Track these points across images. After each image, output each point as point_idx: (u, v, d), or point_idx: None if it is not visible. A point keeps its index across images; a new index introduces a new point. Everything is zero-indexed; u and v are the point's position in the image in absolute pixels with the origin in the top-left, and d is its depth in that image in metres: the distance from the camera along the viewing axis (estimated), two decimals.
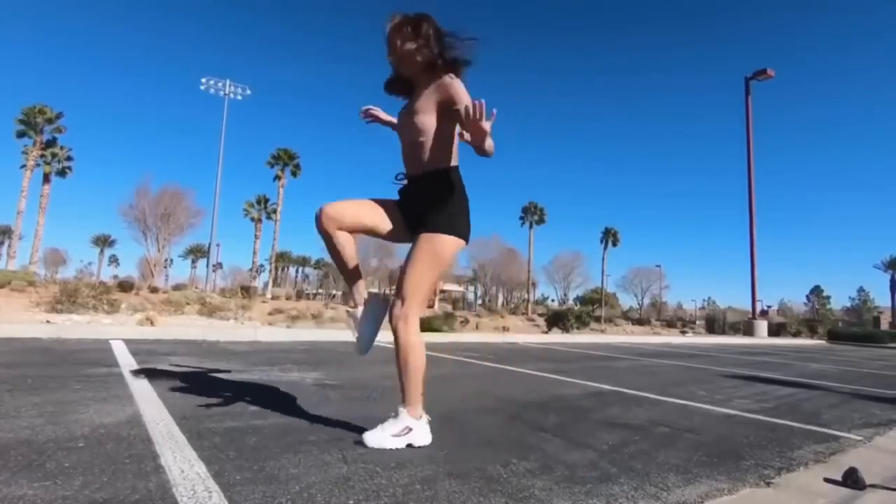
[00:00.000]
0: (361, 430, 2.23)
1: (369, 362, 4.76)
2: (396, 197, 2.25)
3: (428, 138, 2.07)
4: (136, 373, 3.33)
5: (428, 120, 2.06)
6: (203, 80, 35.92)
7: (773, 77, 21.27)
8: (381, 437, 2.02)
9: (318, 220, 2.10)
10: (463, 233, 2.11)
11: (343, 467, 1.76)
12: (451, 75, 2.02)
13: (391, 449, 1.99)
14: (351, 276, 2.20)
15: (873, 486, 1.98)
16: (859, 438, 2.81)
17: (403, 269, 2.09)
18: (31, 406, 2.32)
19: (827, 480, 2.03)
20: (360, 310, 2.20)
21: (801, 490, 1.92)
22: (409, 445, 2.03)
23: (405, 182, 2.22)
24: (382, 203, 2.20)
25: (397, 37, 2.05)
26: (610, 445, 2.30)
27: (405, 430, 2.04)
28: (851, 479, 1.97)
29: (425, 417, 2.10)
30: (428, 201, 2.09)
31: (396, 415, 2.07)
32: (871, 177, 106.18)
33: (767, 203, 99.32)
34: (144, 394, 2.70)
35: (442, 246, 2.06)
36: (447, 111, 2.03)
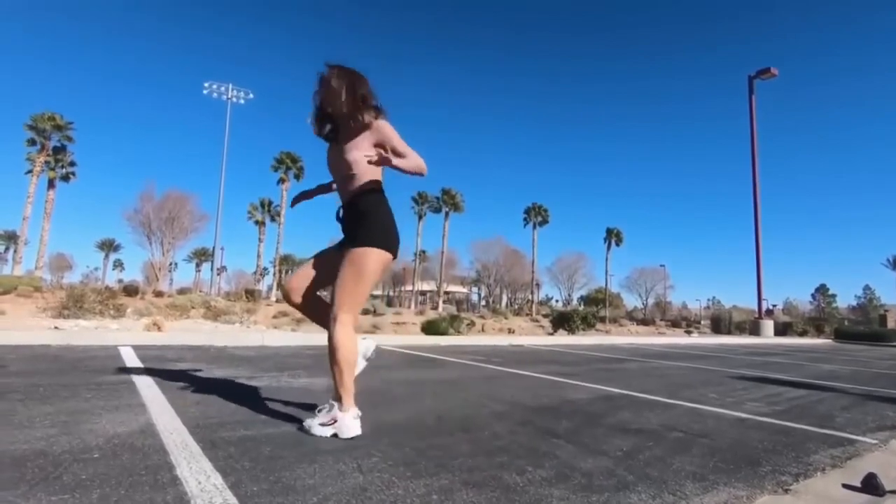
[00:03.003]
0: (374, 438, 2.23)
1: (379, 368, 4.75)
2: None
3: (359, 171, 2.37)
4: (146, 380, 3.33)
5: (359, 156, 2.34)
6: (206, 85, 36.12)
7: (777, 76, 21.19)
8: (311, 423, 2.27)
9: (286, 297, 2.50)
10: (385, 244, 2.36)
11: (359, 477, 1.75)
12: (383, 119, 2.38)
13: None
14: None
15: (892, 491, 1.96)
16: (874, 442, 2.78)
17: (336, 278, 2.32)
18: (45, 416, 2.31)
19: (845, 486, 2.01)
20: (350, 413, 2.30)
21: (820, 496, 1.90)
22: (335, 436, 2.22)
23: (341, 210, 2.49)
24: (322, 258, 2.52)
25: (339, 81, 2.35)
26: (624, 451, 2.28)
27: (332, 421, 2.25)
28: (871, 486, 1.95)
29: (354, 411, 2.29)
30: (355, 220, 2.38)
31: (329, 408, 2.29)
32: (877, 175, 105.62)
33: (772, 201, 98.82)
34: (156, 402, 2.70)
35: (364, 258, 2.31)
36: (380, 147, 2.35)
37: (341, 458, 1.94)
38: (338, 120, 2.43)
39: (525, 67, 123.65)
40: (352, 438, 2.20)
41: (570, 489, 1.76)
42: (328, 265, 2.45)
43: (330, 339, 2.28)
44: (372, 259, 2.32)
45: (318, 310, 2.52)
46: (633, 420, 2.99)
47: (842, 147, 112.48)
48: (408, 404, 3.12)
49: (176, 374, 3.66)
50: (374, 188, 2.42)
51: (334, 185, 2.60)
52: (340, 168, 2.42)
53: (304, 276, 2.50)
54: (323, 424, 2.25)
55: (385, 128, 2.38)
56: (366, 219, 2.36)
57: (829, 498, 1.90)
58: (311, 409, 2.61)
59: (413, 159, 2.33)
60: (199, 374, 3.77)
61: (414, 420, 2.68)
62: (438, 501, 1.58)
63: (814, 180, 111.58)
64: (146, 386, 3.12)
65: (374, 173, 2.42)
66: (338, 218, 2.51)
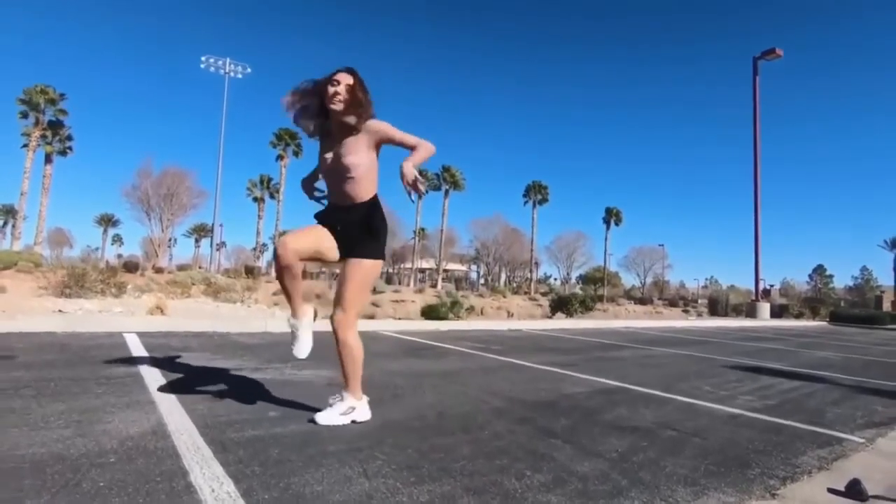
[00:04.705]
0: (378, 439, 2.31)
1: (379, 357, 4.83)
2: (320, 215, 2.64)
3: (358, 174, 2.44)
4: (154, 373, 3.40)
5: (359, 158, 2.42)
6: (203, 59, 35.62)
7: (782, 57, 20.91)
8: (330, 417, 2.48)
9: (281, 253, 2.40)
10: (384, 254, 2.61)
11: (365, 483, 1.82)
12: (377, 119, 2.46)
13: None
14: (298, 295, 2.58)
15: (875, 496, 2.04)
16: (861, 441, 2.87)
17: (343, 287, 2.50)
18: (58, 415, 2.39)
19: (830, 491, 2.09)
20: (303, 321, 2.60)
21: (806, 502, 1.98)
22: (354, 421, 2.52)
23: (330, 207, 2.57)
24: (324, 231, 2.53)
25: (355, 87, 2.42)
26: (619, 453, 2.36)
27: (349, 410, 2.53)
28: (854, 491, 2.03)
29: (365, 398, 2.63)
30: (362, 229, 2.49)
31: (342, 398, 2.54)
32: (877, 156, 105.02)
33: (772, 181, 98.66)
34: (165, 398, 2.77)
35: (374, 269, 2.55)
36: (379, 146, 2.48)
37: (347, 462, 2.01)
38: (337, 121, 2.44)
39: (526, 49, 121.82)
40: (355, 440, 2.28)
41: (567, 495, 1.84)
42: (324, 244, 2.49)
43: (344, 342, 2.50)
44: (378, 269, 2.60)
45: (296, 279, 2.49)
46: (628, 417, 3.08)
47: (843, 129, 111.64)
48: (409, 400, 3.20)
49: (182, 366, 3.73)
50: (376, 196, 2.53)
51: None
52: (339, 169, 2.45)
53: (305, 241, 2.46)
54: (343, 414, 2.51)
55: (379, 126, 2.44)
56: (378, 233, 2.52)
57: (816, 503, 1.99)
58: (316, 404, 2.70)
59: (421, 146, 2.42)
60: (204, 365, 3.85)
61: (416, 418, 2.76)
62: None
63: (814, 160, 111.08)
64: (154, 380, 3.19)
65: (373, 179, 2.51)
66: (326, 218, 2.56)
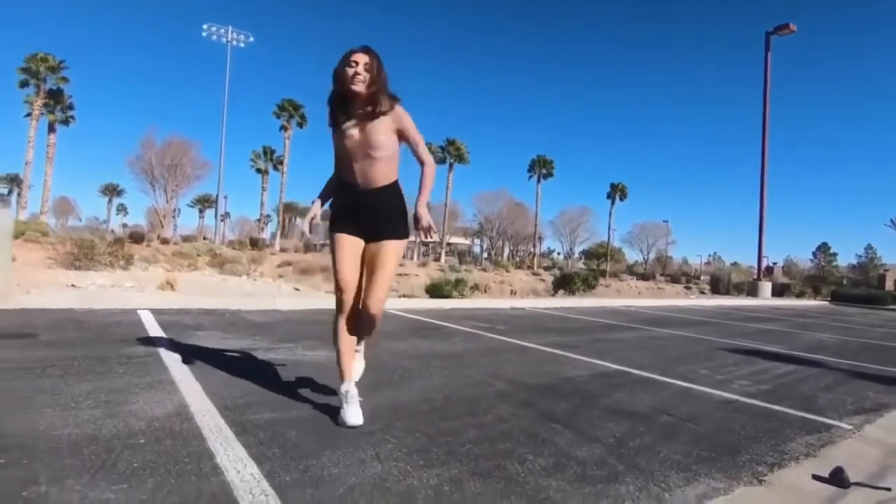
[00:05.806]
0: (388, 422, 2.44)
1: (386, 337, 4.97)
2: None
3: (384, 156, 2.43)
4: (172, 353, 3.54)
5: (386, 140, 2.42)
6: (205, 27, 35.15)
7: (795, 32, 20.46)
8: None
9: (347, 301, 2.49)
10: (409, 233, 2.62)
11: (378, 466, 1.96)
12: (401, 106, 2.44)
13: (412, 445, 2.23)
14: (353, 352, 2.57)
15: (857, 483, 2.16)
16: (849, 427, 2.99)
17: (378, 272, 2.48)
18: (86, 395, 2.52)
19: (815, 478, 2.22)
20: (355, 389, 2.49)
21: (791, 488, 2.11)
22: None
23: (354, 191, 2.50)
24: (350, 246, 2.52)
25: (374, 65, 2.37)
26: (616, 438, 2.49)
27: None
28: (837, 479, 2.16)
29: None
30: (387, 212, 2.52)
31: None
32: (885, 135, 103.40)
33: (777, 160, 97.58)
34: (185, 379, 2.90)
35: (401, 249, 2.60)
36: (400, 134, 2.47)
37: (360, 445, 2.14)
38: (360, 100, 2.37)
39: (532, 25, 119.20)
40: (367, 423, 2.41)
41: (566, 480, 1.97)
42: (358, 256, 2.53)
43: (375, 320, 2.52)
44: (404, 248, 2.64)
45: (352, 336, 2.55)
46: (626, 401, 3.21)
47: (850, 109, 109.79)
48: (416, 382, 3.33)
49: (198, 346, 3.88)
50: (398, 180, 2.56)
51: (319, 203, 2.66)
52: (366, 147, 2.39)
53: (357, 266, 2.52)
54: None
55: (406, 116, 2.44)
56: (404, 213, 2.56)
57: (800, 489, 2.11)
58: (329, 386, 2.83)
59: (428, 168, 2.53)
60: (219, 344, 3.99)
61: (423, 401, 2.89)
62: (450, 493, 1.78)
63: (821, 139, 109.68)
64: (173, 360, 3.33)
65: (397, 162, 2.51)
66: (348, 204, 2.50)
